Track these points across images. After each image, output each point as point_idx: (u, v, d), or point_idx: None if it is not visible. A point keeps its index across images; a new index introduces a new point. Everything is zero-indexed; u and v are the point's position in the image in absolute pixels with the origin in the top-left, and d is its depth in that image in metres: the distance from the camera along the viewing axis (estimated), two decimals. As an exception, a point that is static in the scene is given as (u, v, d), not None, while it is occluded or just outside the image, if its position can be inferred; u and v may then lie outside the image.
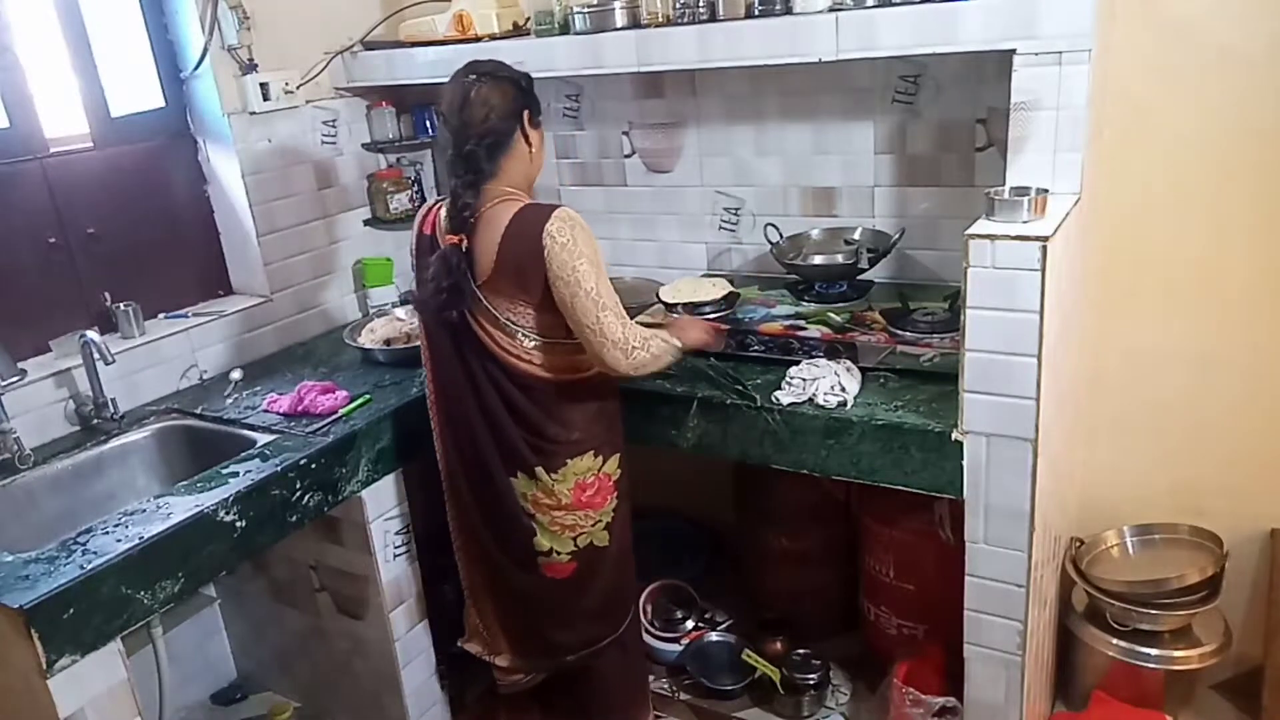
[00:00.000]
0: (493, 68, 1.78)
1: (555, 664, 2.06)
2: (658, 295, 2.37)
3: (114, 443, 2.13)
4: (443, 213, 1.82)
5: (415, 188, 2.81)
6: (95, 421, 2.15)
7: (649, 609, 2.57)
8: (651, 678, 2.45)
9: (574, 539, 1.90)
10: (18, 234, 2.14)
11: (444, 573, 2.22)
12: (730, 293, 2.31)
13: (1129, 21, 1.99)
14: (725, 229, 2.58)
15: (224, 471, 1.88)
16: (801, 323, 2.14)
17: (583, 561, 1.93)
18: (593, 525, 1.91)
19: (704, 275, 2.59)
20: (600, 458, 1.88)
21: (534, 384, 1.81)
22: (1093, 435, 2.31)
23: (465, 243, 1.74)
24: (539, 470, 1.84)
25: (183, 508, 1.73)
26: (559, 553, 1.91)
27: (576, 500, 1.87)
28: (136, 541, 1.63)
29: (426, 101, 2.72)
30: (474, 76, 1.75)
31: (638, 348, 1.75)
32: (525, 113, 1.78)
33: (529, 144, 1.80)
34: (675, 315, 2.25)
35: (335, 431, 2.03)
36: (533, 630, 2.02)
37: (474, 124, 1.72)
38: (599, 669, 2.07)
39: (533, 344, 1.78)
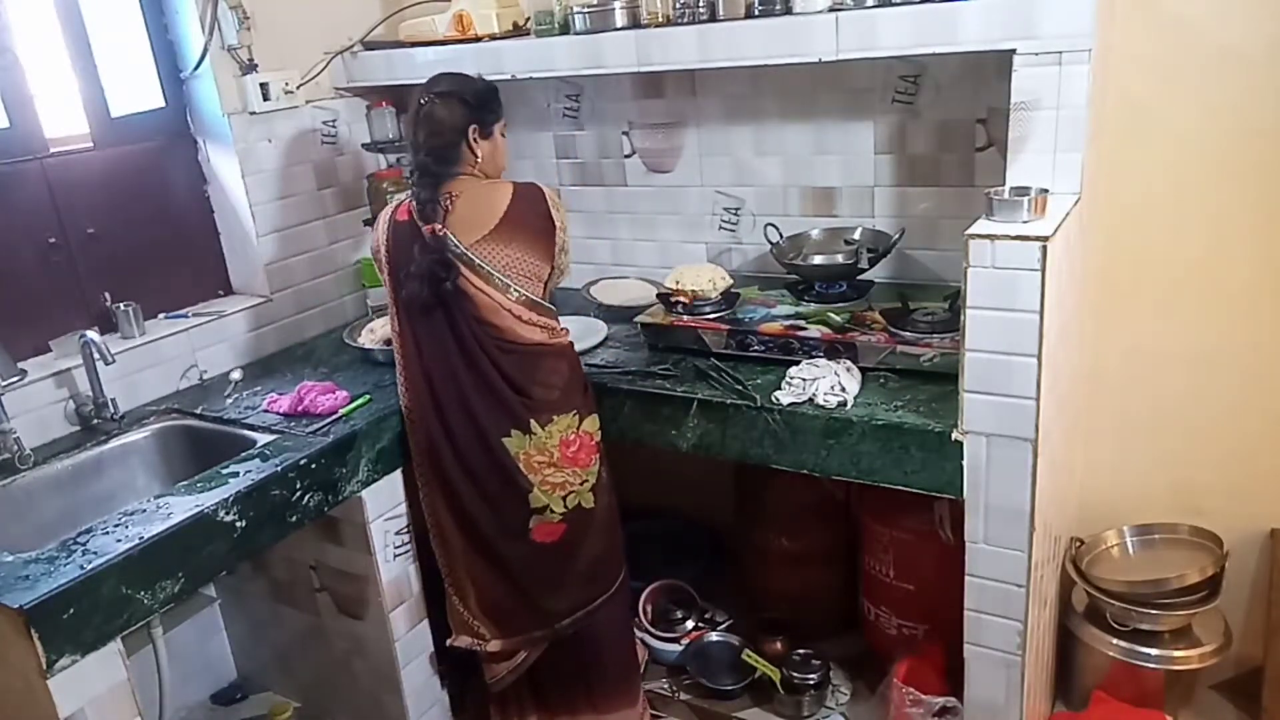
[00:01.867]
0: (448, 85, 1.98)
1: (549, 633, 2.09)
2: (660, 287, 2.37)
3: (114, 443, 2.13)
4: (414, 204, 1.97)
5: (415, 188, 2.81)
6: (95, 421, 2.15)
7: (649, 609, 2.57)
8: (651, 677, 2.46)
9: (564, 498, 2.01)
10: (18, 234, 2.14)
11: (444, 573, 2.22)
12: (730, 292, 2.31)
13: (1129, 21, 1.99)
14: (725, 229, 2.59)
15: (224, 471, 1.88)
16: (801, 323, 2.14)
17: (572, 523, 2.02)
18: (580, 484, 2.02)
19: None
20: (578, 416, 2.02)
21: (517, 348, 1.96)
22: (1093, 435, 2.31)
23: (442, 229, 1.92)
24: (533, 423, 1.96)
25: (183, 508, 1.73)
26: (553, 511, 2.00)
27: (564, 456, 1.99)
28: (136, 541, 1.63)
29: (426, 101, 2.72)
30: (428, 97, 1.96)
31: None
32: (472, 128, 1.96)
33: (475, 154, 1.98)
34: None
35: (335, 431, 2.03)
36: (523, 601, 2.06)
37: (421, 140, 1.95)
38: (595, 631, 2.12)
39: (517, 297, 1.94)
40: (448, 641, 2.16)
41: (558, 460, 1.99)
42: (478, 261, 1.92)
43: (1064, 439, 2.01)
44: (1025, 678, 1.86)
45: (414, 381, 2.01)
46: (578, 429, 2.02)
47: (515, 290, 1.94)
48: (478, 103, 1.98)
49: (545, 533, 2.02)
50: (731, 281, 2.32)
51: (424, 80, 1.97)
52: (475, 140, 1.97)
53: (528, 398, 1.97)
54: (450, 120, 1.95)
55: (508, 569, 2.05)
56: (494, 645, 2.10)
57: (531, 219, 1.97)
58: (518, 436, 1.97)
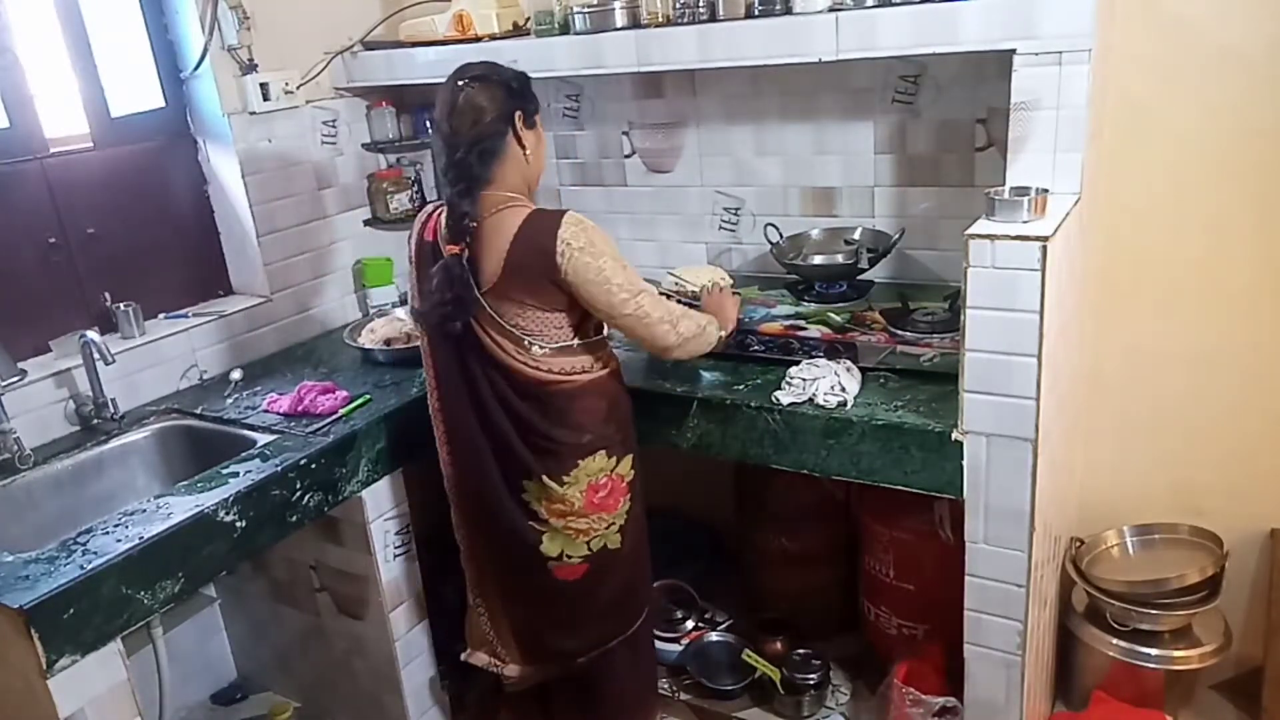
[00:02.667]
0: (483, 70, 1.76)
1: (565, 668, 2.02)
2: (659, 287, 2.36)
3: (114, 443, 2.13)
4: (443, 219, 1.79)
5: (415, 188, 2.81)
6: (95, 421, 2.15)
7: (649, 609, 2.57)
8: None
9: (587, 542, 1.87)
10: (18, 234, 2.14)
11: (444, 573, 2.22)
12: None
13: (1129, 21, 1.99)
14: (725, 229, 2.59)
15: (224, 471, 1.88)
16: (801, 323, 2.14)
17: (594, 564, 1.89)
18: (606, 528, 1.88)
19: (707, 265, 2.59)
20: (614, 458, 1.86)
21: (541, 390, 1.78)
22: (1093, 435, 2.31)
23: (466, 252, 1.73)
24: (545, 478, 1.81)
25: (183, 508, 1.74)
26: (570, 556, 1.88)
27: (589, 503, 1.84)
28: (136, 541, 1.63)
29: (426, 101, 2.71)
30: (463, 82, 1.73)
31: (683, 318, 1.83)
32: (518, 115, 1.75)
33: (523, 147, 1.77)
34: (702, 297, 2.15)
35: (335, 431, 2.03)
36: (542, 634, 1.99)
37: (464, 131, 1.71)
38: (609, 668, 2.02)
39: (542, 351, 1.77)
40: (462, 656, 2.09)
41: (580, 509, 1.83)
42: (490, 312, 1.74)
43: (1064, 439, 2.01)
44: (1025, 678, 1.86)
45: (437, 404, 1.91)
46: (610, 471, 1.85)
47: (538, 346, 1.76)
48: (519, 87, 1.76)
49: (566, 572, 1.89)
50: (731, 282, 2.32)
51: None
52: (521, 130, 1.75)
53: (551, 441, 1.79)
54: (494, 108, 1.71)
55: (528, 601, 1.96)
56: (511, 670, 2.03)
57: (534, 262, 1.70)
58: (535, 486, 1.82)
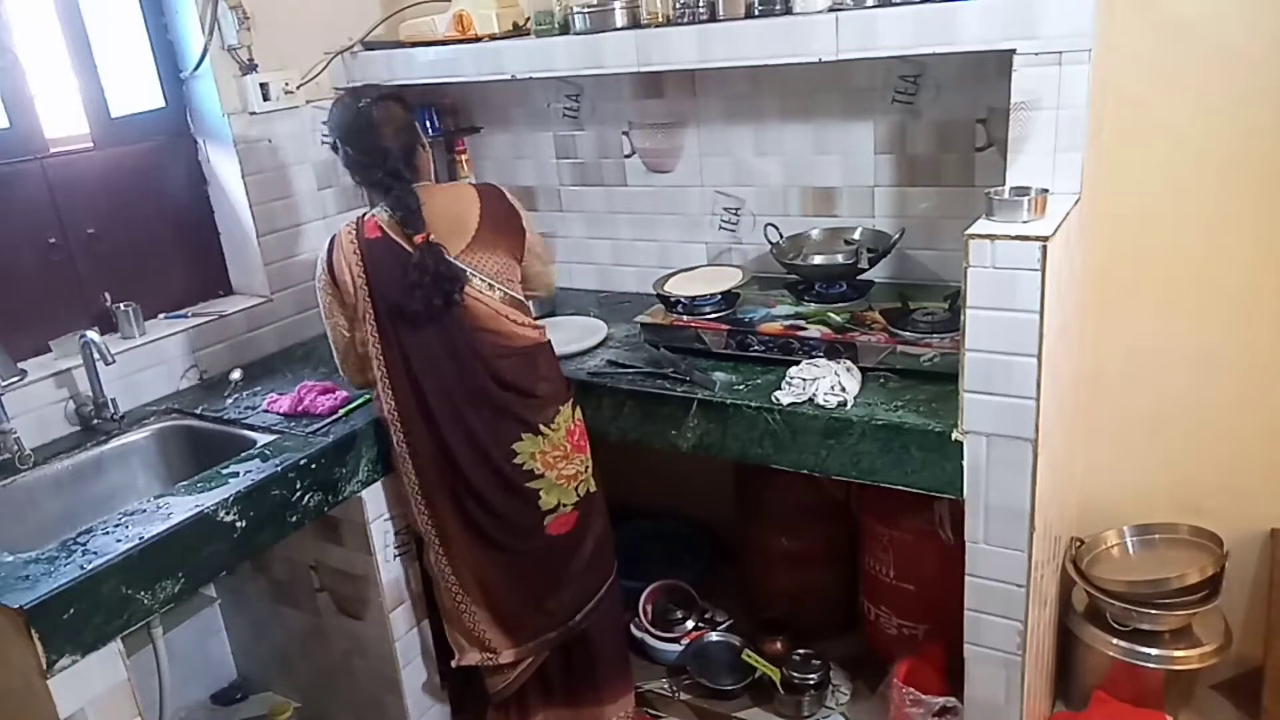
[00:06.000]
0: (376, 91, 2.05)
1: (564, 632, 2.09)
2: (660, 287, 2.36)
3: (114, 443, 2.13)
4: (383, 218, 1.93)
5: (415, 188, 2.81)
6: (95, 421, 2.15)
7: (649, 609, 2.57)
8: (651, 677, 2.46)
9: (575, 488, 2.04)
10: (18, 234, 2.14)
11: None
12: (730, 292, 2.31)
13: (1129, 21, 1.99)
14: (725, 229, 2.58)
15: (224, 471, 1.88)
16: (801, 323, 2.14)
17: (583, 509, 2.07)
18: (586, 470, 2.07)
19: (712, 266, 2.59)
20: (573, 405, 2.07)
21: (516, 350, 1.97)
22: (1093, 435, 2.31)
23: (432, 235, 1.91)
24: (541, 426, 1.98)
25: (183, 508, 1.74)
26: (565, 505, 2.03)
27: (574, 446, 2.03)
28: (136, 541, 1.63)
29: (427, 102, 2.72)
30: (367, 101, 1.96)
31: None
32: (415, 123, 2.02)
33: (428, 152, 2.06)
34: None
35: (335, 432, 2.03)
36: (534, 605, 2.05)
37: (393, 141, 1.94)
38: (600, 624, 2.15)
39: (502, 297, 1.96)
40: (453, 663, 2.12)
41: (569, 452, 2.02)
42: (469, 271, 1.92)
43: (1064, 439, 2.01)
44: (1025, 678, 1.86)
45: (401, 393, 1.96)
46: (574, 417, 2.06)
47: (501, 290, 1.96)
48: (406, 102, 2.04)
49: (560, 525, 2.03)
50: (745, 281, 2.32)
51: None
52: (419, 131, 2.02)
53: (533, 396, 1.97)
54: (406, 116, 1.98)
55: (519, 570, 2.03)
56: (507, 656, 2.07)
57: (503, 221, 2.00)
58: (529, 439, 1.97)
